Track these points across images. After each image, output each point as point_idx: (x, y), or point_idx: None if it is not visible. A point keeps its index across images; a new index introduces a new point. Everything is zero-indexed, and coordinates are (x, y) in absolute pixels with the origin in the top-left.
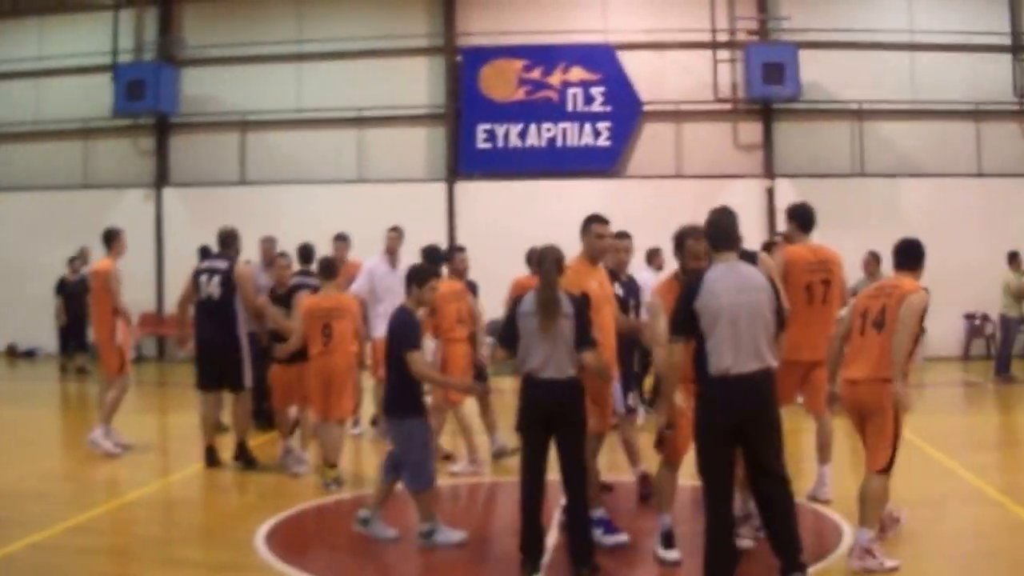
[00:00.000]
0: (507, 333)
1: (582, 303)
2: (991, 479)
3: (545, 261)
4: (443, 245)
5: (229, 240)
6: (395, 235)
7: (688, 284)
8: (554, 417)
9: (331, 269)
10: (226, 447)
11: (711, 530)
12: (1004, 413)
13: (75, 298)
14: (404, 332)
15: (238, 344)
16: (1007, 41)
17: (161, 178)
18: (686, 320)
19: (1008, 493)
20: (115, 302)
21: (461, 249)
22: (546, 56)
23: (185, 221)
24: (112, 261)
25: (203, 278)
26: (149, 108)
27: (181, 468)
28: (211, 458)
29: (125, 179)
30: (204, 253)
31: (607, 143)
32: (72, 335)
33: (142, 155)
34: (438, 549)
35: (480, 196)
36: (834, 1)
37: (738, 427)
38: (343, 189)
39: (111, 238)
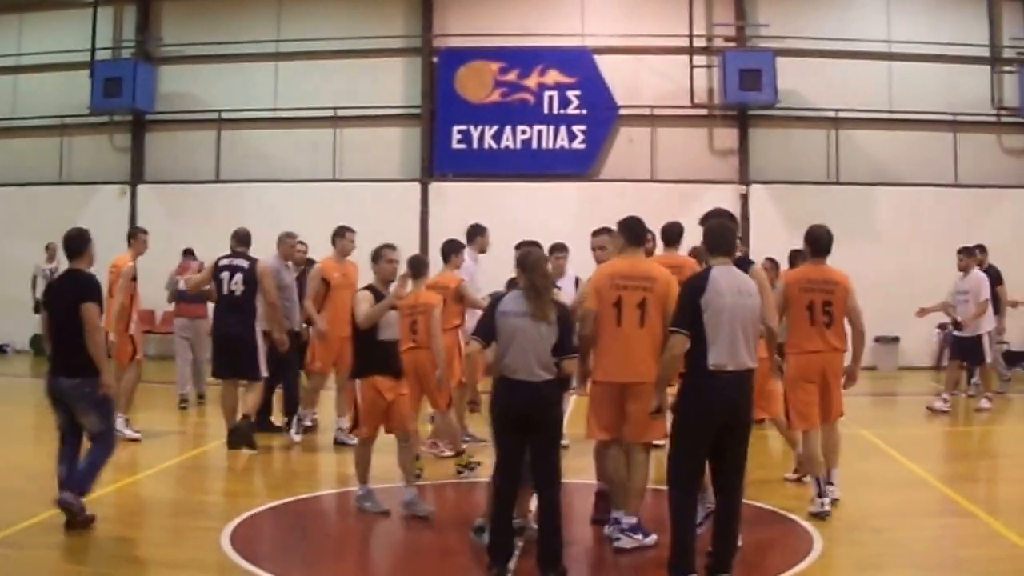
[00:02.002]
0: (488, 329)
1: (565, 309)
2: (962, 489)
3: (535, 261)
4: (415, 244)
5: (247, 239)
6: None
7: (693, 281)
8: (529, 420)
9: (420, 267)
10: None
11: (681, 519)
12: (975, 424)
13: None
14: None
15: (255, 337)
16: (985, 52)
17: (136, 175)
18: (691, 315)
19: (979, 503)
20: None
21: (560, 248)
22: (522, 58)
23: (160, 217)
24: (130, 257)
25: (224, 275)
26: (126, 105)
27: (148, 466)
28: (233, 440)
29: (101, 175)
30: (187, 255)
31: (582, 146)
32: None
33: (118, 151)
34: (402, 547)
35: (454, 197)
36: (812, 9)
37: (724, 421)
38: (318, 187)
39: (130, 236)
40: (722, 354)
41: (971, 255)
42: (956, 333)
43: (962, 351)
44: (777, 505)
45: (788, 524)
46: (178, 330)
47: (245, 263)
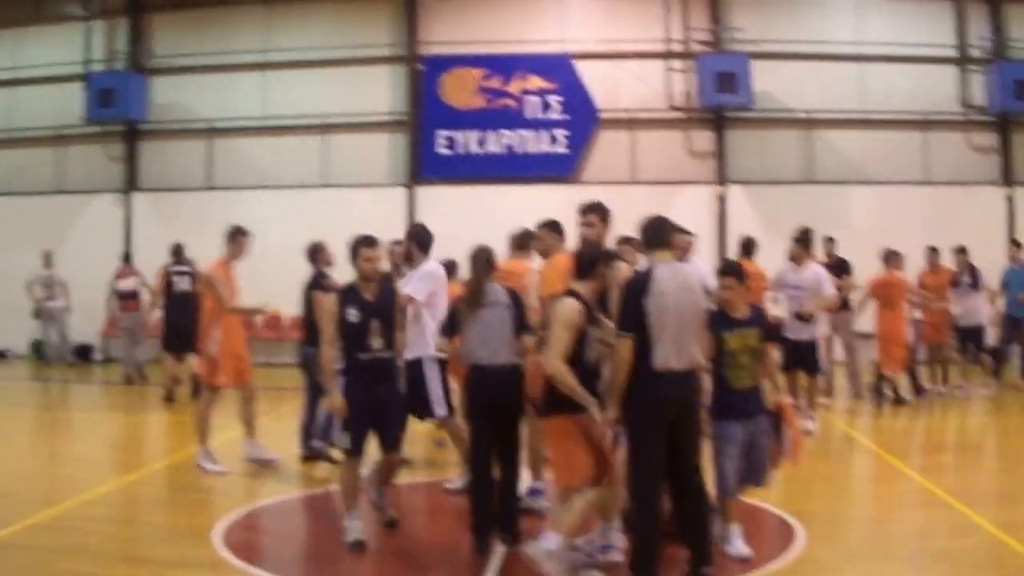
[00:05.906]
0: (450, 324)
1: (516, 294)
2: (939, 481)
3: (477, 259)
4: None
5: (182, 252)
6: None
7: (635, 281)
8: (498, 402)
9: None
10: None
11: (643, 521)
12: (950, 417)
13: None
14: None
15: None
16: (953, 53)
17: (130, 183)
18: (635, 317)
19: (955, 495)
20: (225, 304)
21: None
22: (505, 65)
23: (153, 225)
24: (222, 261)
25: (175, 279)
26: (119, 116)
27: (143, 466)
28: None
29: (96, 184)
30: (125, 260)
31: (564, 150)
32: None
33: (112, 161)
34: (398, 544)
35: (440, 201)
36: (785, 13)
37: (672, 420)
38: (307, 194)
39: (229, 237)
40: (668, 354)
41: (805, 245)
42: (789, 337)
43: (796, 358)
44: (760, 499)
45: (771, 518)
46: (121, 322)
47: (189, 269)
